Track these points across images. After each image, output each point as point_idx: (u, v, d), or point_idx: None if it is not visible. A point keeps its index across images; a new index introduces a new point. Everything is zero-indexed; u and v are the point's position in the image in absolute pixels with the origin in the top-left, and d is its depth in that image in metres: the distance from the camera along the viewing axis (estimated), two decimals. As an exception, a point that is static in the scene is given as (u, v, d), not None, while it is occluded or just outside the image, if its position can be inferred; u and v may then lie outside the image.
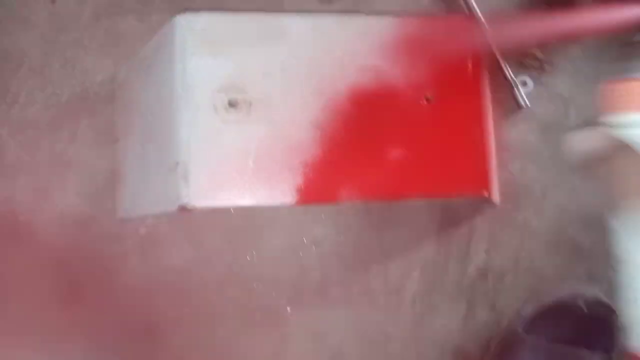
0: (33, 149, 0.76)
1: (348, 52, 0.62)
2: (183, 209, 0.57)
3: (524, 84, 0.81)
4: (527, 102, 0.80)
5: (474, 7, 0.80)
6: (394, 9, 0.79)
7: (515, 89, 0.79)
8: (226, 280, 0.76)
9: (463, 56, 0.65)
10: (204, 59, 0.58)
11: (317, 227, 0.77)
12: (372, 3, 0.81)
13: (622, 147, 0.67)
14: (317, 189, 0.59)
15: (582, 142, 0.74)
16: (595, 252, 0.78)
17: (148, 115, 0.65)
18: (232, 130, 0.58)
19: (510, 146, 0.79)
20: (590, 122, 0.76)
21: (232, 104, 0.58)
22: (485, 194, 0.63)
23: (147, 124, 0.65)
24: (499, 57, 0.79)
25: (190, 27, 0.58)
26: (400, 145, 0.60)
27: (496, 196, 0.71)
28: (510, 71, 0.80)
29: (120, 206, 0.75)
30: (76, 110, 0.76)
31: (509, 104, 0.80)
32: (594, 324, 0.69)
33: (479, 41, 0.66)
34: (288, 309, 0.75)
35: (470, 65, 0.65)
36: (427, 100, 0.62)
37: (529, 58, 0.82)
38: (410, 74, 0.62)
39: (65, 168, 0.76)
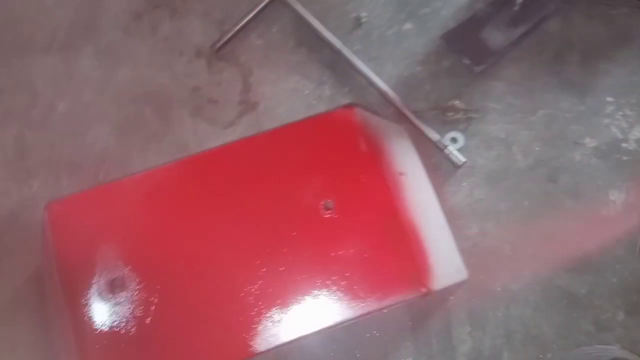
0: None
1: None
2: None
3: (454, 140, 0.74)
4: (462, 158, 0.72)
5: (376, 85, 0.75)
6: (298, 114, 0.74)
7: (444, 149, 0.72)
8: None
9: (354, 150, 0.59)
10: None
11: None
12: (274, 118, 0.76)
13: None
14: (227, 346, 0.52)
15: None
16: (595, 296, 0.68)
17: None
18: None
19: (460, 211, 0.71)
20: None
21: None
22: (424, 289, 0.55)
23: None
24: (416, 122, 0.73)
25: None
26: (313, 270, 0.54)
27: (462, 272, 0.62)
28: (433, 132, 0.73)
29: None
30: None
31: (445, 166, 0.73)
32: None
33: (366, 128, 0.60)
34: None
35: (364, 157, 0.59)
36: (327, 208, 0.56)
37: (451, 111, 0.76)
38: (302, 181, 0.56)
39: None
